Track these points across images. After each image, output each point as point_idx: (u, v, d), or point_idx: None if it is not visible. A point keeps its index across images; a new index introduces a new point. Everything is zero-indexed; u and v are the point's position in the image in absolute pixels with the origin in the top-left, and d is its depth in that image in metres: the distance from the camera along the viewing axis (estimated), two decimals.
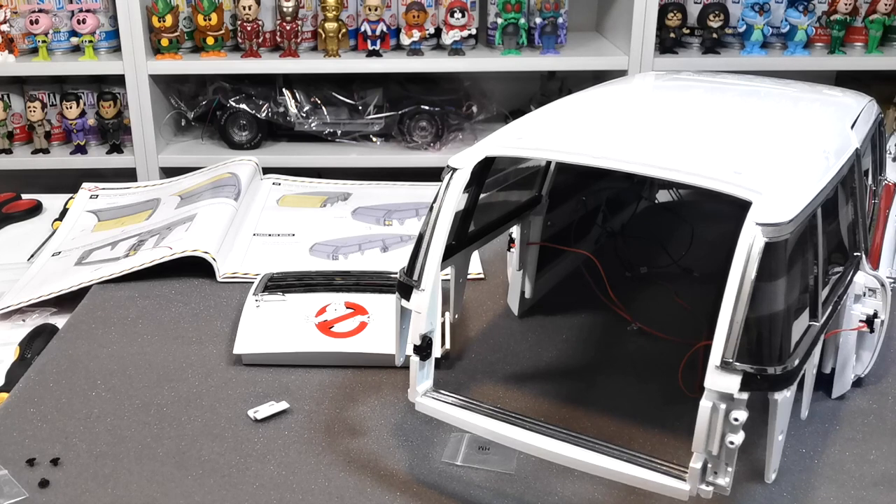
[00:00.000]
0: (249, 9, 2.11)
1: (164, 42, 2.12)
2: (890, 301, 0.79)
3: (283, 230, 1.21)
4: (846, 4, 2.14)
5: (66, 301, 1.04)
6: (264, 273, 1.03)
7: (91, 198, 1.34)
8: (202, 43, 2.16)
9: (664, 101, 0.90)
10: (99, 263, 1.10)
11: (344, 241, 1.17)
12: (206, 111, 2.21)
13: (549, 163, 0.92)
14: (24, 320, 1.02)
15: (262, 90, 2.21)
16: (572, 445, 0.65)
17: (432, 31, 2.20)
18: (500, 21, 2.15)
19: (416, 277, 0.71)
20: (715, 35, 2.18)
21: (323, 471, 0.73)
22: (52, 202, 1.37)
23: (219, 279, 1.07)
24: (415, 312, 0.71)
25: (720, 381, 0.58)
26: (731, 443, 0.59)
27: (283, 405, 0.82)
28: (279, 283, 0.99)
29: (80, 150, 2.22)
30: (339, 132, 2.23)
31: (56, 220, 1.29)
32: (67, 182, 1.48)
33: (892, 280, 0.83)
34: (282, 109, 2.20)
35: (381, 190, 1.38)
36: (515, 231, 0.93)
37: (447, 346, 0.89)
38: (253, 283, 1.00)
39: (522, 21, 2.15)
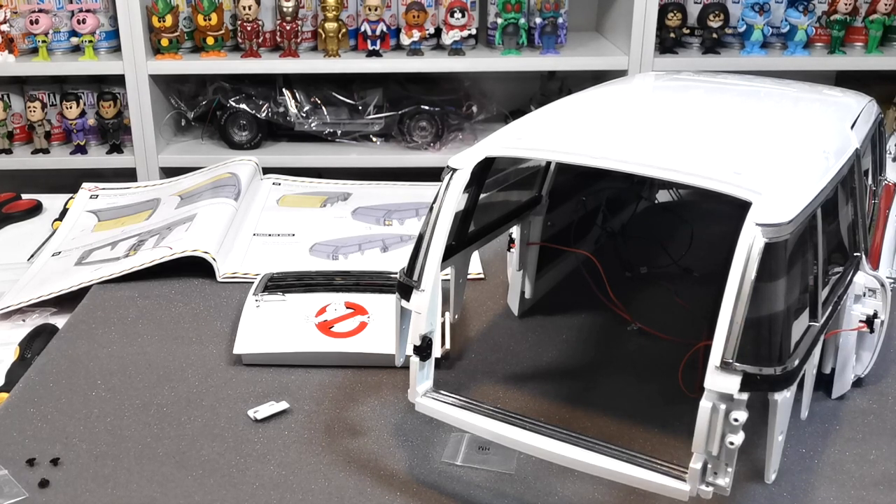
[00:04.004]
0: (249, 9, 2.11)
1: (164, 42, 2.12)
2: (890, 301, 0.79)
3: (283, 230, 1.21)
4: (846, 4, 2.14)
5: (66, 301, 1.04)
6: (264, 273, 1.03)
7: (91, 198, 1.34)
8: (202, 43, 2.16)
9: (664, 102, 0.90)
10: (99, 263, 1.10)
11: (344, 241, 1.17)
12: (206, 111, 2.21)
13: (549, 163, 0.92)
14: (24, 320, 1.02)
15: (262, 90, 2.21)
16: (572, 445, 0.65)
17: (432, 31, 2.20)
18: (500, 21, 2.15)
19: (416, 278, 0.71)
20: (715, 35, 2.18)
21: (323, 471, 0.73)
22: (52, 202, 1.37)
23: (219, 279, 1.07)
24: (415, 313, 0.71)
25: (720, 381, 0.58)
26: (731, 443, 0.59)
27: (283, 405, 0.82)
28: (279, 283, 0.99)
29: (80, 150, 2.22)
30: (339, 132, 2.23)
31: (56, 220, 1.29)
32: (67, 182, 1.48)
33: (892, 280, 0.83)
34: (282, 109, 2.20)
35: (381, 190, 1.38)
36: (515, 231, 0.93)
37: (447, 346, 0.89)
38: (253, 283, 1.00)
39: (522, 21, 2.15)
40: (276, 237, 1.19)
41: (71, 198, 1.34)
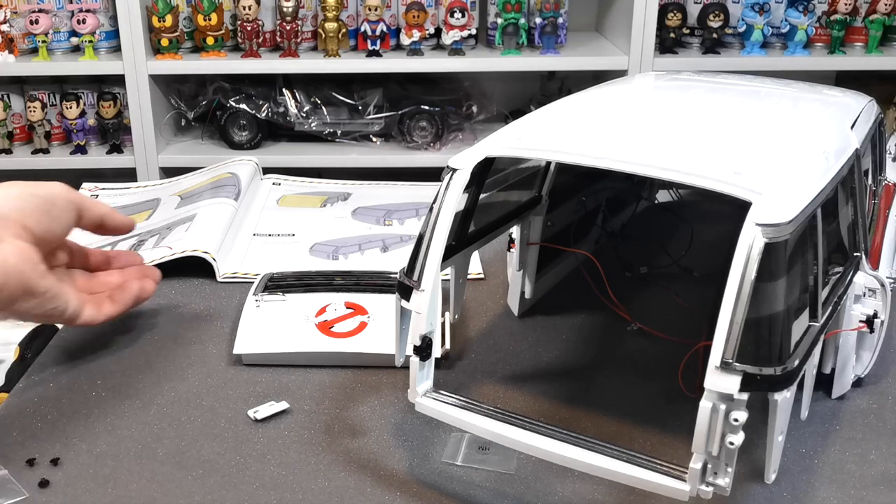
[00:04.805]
0: (249, 9, 2.11)
1: (164, 42, 2.12)
2: (890, 301, 0.79)
3: (283, 230, 1.21)
4: (846, 4, 2.14)
5: None
6: (264, 273, 1.03)
7: (91, 198, 1.34)
8: (202, 43, 2.16)
9: (664, 102, 0.90)
10: None
11: (344, 241, 1.17)
12: (206, 111, 2.22)
13: (549, 163, 0.92)
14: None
15: (262, 90, 2.21)
16: (572, 445, 0.65)
17: (432, 31, 2.20)
18: (500, 21, 2.15)
19: (415, 278, 0.71)
20: (715, 35, 2.18)
21: (323, 471, 0.73)
22: None
23: (219, 279, 1.07)
24: (415, 313, 0.71)
25: (720, 381, 0.58)
26: (731, 443, 0.59)
27: (283, 405, 0.82)
28: (279, 283, 0.99)
29: (80, 150, 2.22)
30: (339, 132, 2.24)
31: None
32: (67, 182, 1.48)
33: (892, 280, 0.83)
34: (282, 109, 2.20)
35: (381, 190, 1.38)
36: (515, 231, 0.93)
37: (447, 346, 0.89)
38: (253, 283, 1.00)
39: (522, 21, 2.15)
40: (276, 237, 1.19)
41: None
